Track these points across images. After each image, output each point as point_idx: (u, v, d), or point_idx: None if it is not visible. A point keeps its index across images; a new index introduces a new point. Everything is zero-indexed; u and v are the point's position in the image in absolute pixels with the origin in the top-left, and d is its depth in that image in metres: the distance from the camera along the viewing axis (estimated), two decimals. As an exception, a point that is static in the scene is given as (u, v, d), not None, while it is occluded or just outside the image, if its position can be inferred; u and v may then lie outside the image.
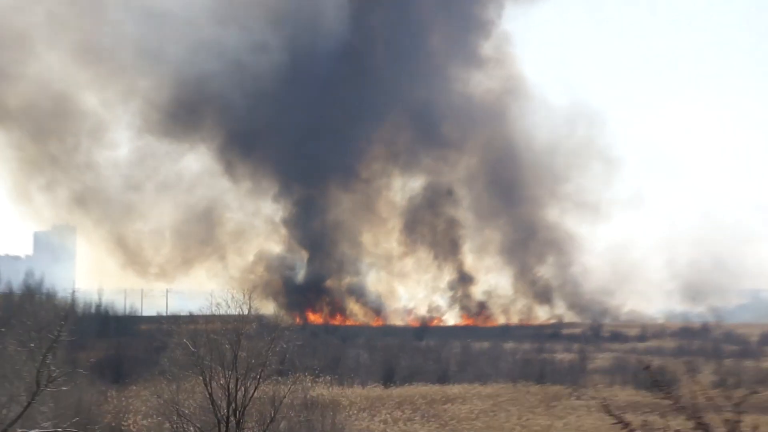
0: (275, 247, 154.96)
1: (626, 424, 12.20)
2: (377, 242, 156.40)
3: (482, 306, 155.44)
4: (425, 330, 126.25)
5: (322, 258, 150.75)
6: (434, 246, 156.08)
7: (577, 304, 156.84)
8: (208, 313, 39.45)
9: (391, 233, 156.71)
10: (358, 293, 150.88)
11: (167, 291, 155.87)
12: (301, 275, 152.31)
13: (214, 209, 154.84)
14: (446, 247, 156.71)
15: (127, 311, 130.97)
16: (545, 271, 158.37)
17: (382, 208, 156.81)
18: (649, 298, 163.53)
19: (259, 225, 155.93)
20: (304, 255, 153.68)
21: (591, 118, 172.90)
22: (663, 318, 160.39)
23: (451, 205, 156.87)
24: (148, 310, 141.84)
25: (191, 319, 45.10)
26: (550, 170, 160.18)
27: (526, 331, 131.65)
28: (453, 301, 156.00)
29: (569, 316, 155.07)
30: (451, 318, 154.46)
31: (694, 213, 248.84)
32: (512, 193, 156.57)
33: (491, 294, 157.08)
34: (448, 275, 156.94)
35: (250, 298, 37.08)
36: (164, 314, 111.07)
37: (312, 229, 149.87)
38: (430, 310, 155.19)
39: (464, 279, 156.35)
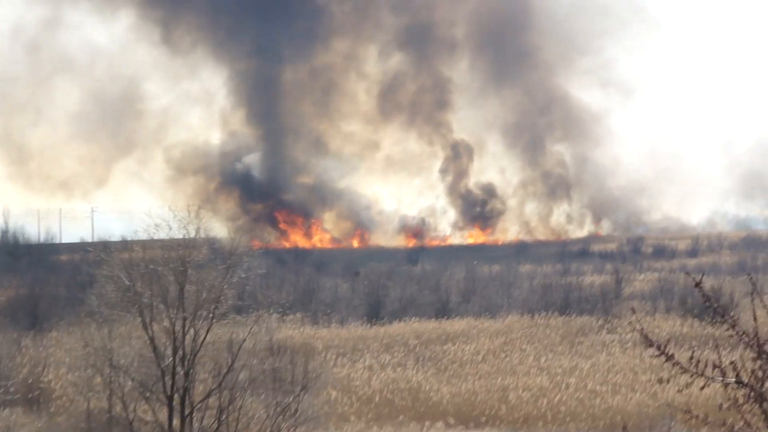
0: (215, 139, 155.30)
1: (670, 356, 12.47)
2: (350, 132, 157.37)
3: (483, 203, 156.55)
4: (420, 251, 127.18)
5: (280, 152, 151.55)
6: (416, 113, 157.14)
7: (603, 205, 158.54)
8: (145, 237, 39.58)
9: (367, 117, 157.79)
10: (331, 201, 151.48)
11: (92, 211, 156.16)
12: (256, 175, 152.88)
13: (132, 94, 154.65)
14: (432, 111, 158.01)
15: (42, 238, 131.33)
16: (562, 157, 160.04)
17: (354, 85, 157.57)
18: (699, 199, 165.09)
19: (192, 112, 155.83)
20: (256, 148, 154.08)
21: None
22: (719, 226, 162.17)
23: (443, 60, 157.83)
24: (69, 235, 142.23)
25: (124, 245, 45.27)
26: (571, 35, 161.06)
27: (547, 249, 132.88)
28: (449, 193, 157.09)
29: (595, 226, 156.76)
30: (447, 223, 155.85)
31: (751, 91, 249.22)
32: (523, 60, 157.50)
33: (492, 189, 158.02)
34: (439, 159, 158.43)
35: (197, 216, 37.19)
36: (89, 240, 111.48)
37: (266, 113, 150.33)
38: (420, 213, 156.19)
39: (458, 155, 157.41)
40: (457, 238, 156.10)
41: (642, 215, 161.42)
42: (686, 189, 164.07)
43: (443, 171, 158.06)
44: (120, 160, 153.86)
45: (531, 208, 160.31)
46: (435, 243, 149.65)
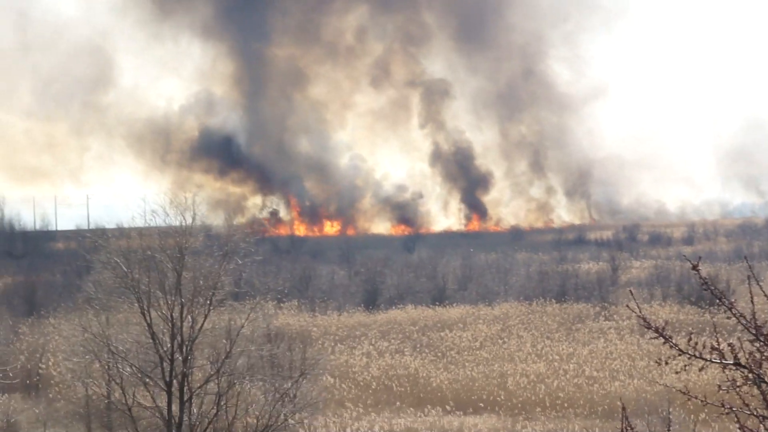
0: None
1: (668, 338, 12.55)
2: (341, 98, 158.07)
3: (461, 155, 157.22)
4: (416, 239, 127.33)
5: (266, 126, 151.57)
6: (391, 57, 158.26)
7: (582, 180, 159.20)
8: (142, 224, 39.67)
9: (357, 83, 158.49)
10: (323, 171, 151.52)
11: (87, 198, 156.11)
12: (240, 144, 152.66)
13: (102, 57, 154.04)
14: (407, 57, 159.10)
15: (38, 225, 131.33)
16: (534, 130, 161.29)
17: (341, 49, 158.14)
18: (692, 185, 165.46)
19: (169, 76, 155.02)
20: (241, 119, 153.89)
21: None
22: (716, 213, 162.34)
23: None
24: (65, 222, 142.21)
25: (121, 232, 45.33)
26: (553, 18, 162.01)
27: (542, 237, 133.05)
28: (434, 159, 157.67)
29: (585, 215, 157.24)
30: (435, 199, 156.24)
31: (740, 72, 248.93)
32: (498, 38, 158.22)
33: (470, 153, 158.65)
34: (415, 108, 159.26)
35: (194, 203, 37.30)
36: (85, 227, 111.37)
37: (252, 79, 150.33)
38: (408, 182, 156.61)
39: (432, 98, 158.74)
40: (446, 224, 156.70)
41: (622, 196, 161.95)
42: (665, 173, 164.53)
43: (422, 122, 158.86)
44: (90, 143, 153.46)
45: (511, 182, 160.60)
46: (429, 230, 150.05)
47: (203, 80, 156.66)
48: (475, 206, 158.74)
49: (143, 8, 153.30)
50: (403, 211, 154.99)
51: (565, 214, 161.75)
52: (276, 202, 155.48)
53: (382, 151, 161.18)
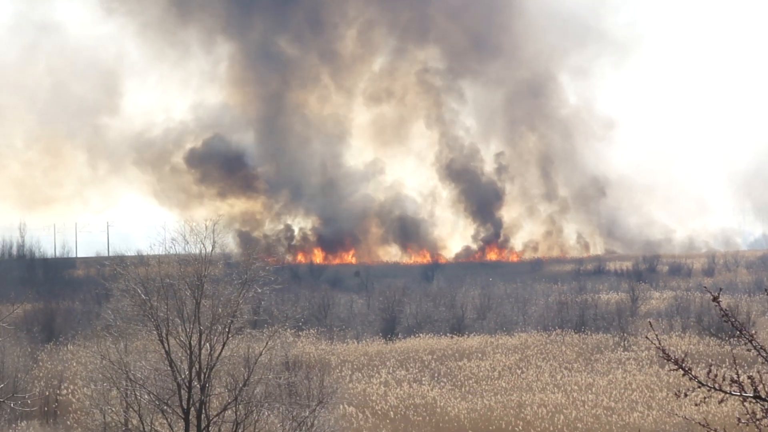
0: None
1: (688, 370, 12.50)
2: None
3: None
4: (435, 268, 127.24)
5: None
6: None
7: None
8: (161, 252, 39.79)
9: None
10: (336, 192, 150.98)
11: (108, 225, 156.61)
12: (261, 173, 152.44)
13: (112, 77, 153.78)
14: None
15: (58, 252, 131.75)
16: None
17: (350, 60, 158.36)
18: (709, 216, 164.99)
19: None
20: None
21: None
22: (737, 245, 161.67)
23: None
24: (85, 249, 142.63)
25: (140, 259, 45.49)
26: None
27: (561, 267, 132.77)
28: (442, 173, 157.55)
29: (606, 244, 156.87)
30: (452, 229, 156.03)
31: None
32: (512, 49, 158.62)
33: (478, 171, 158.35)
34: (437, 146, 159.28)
35: (214, 231, 37.35)
36: (105, 254, 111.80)
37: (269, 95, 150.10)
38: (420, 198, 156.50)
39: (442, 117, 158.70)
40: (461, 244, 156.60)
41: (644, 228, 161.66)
42: (678, 202, 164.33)
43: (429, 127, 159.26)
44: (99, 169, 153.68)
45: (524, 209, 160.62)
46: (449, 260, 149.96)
47: (210, 93, 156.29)
48: (488, 226, 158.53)
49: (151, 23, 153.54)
50: (418, 237, 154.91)
51: (575, 235, 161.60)
52: (291, 228, 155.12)
53: (392, 162, 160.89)
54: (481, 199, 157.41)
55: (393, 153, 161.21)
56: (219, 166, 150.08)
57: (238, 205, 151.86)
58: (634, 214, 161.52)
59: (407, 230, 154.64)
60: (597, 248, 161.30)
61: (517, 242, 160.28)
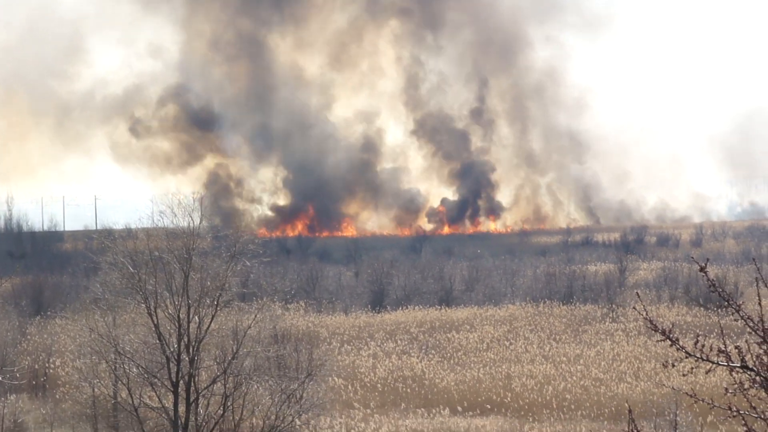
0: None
1: (675, 341, 12.52)
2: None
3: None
4: (423, 240, 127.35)
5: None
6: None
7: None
8: (149, 225, 39.75)
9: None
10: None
11: (95, 198, 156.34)
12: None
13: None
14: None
15: (46, 226, 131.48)
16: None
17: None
18: (697, 186, 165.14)
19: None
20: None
21: None
22: (723, 215, 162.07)
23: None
24: (72, 223, 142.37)
25: (128, 233, 45.45)
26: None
27: (549, 238, 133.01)
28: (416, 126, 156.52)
29: (583, 217, 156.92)
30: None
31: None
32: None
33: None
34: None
35: (201, 203, 37.34)
36: (93, 228, 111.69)
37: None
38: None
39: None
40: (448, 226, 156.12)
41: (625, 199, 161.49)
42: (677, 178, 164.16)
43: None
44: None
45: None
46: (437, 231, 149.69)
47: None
48: (481, 204, 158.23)
49: None
50: (409, 208, 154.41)
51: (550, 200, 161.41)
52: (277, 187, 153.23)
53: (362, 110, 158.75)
54: (458, 158, 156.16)
55: (363, 103, 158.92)
56: (186, 124, 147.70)
57: (207, 164, 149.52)
58: (611, 180, 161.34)
59: (382, 189, 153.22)
60: (573, 214, 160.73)
61: (501, 203, 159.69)
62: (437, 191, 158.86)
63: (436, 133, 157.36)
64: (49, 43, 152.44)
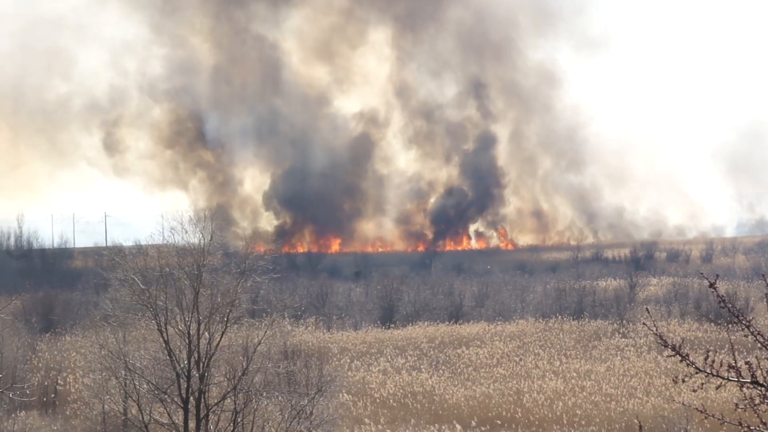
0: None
1: (685, 356, 12.49)
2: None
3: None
4: (433, 256, 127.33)
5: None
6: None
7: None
8: (159, 242, 39.81)
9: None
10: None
11: (105, 216, 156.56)
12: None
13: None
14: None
15: (56, 243, 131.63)
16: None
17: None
18: (706, 204, 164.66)
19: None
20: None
21: None
22: (733, 232, 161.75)
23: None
24: (83, 240, 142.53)
25: (139, 249, 45.49)
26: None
27: (560, 254, 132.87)
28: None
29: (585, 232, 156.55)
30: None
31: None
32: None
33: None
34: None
35: (212, 220, 37.38)
36: (103, 245, 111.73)
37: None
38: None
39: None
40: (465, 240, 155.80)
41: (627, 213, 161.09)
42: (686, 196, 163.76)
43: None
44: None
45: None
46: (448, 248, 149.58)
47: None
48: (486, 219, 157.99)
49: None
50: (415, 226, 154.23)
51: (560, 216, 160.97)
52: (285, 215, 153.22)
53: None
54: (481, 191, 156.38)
55: (358, 107, 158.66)
56: (178, 136, 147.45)
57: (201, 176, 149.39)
58: (614, 196, 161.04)
59: (381, 197, 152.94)
60: (580, 231, 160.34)
61: (508, 218, 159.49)
62: (434, 200, 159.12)
63: (434, 137, 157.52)
64: (35, 53, 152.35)
